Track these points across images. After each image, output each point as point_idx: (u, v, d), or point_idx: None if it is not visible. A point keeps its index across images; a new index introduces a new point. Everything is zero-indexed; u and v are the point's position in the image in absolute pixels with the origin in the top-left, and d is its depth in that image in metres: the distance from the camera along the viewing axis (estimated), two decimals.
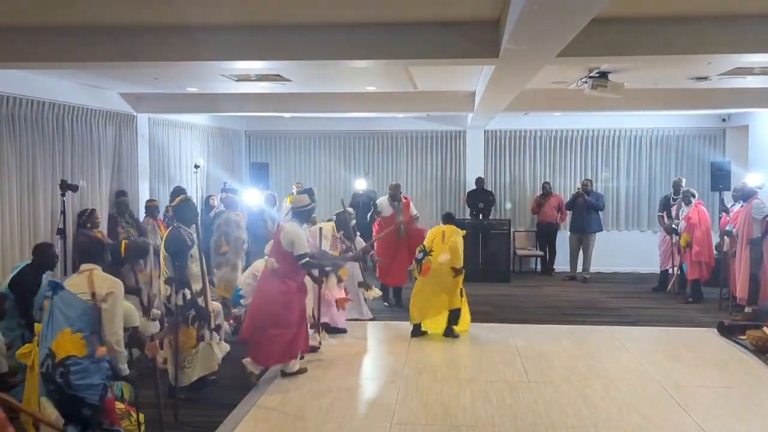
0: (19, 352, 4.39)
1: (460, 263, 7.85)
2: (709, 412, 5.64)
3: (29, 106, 6.97)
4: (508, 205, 12.84)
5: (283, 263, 6.28)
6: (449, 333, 7.95)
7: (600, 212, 11.63)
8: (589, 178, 12.09)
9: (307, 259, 6.26)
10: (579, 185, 11.86)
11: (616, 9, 4.55)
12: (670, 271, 10.53)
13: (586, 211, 11.47)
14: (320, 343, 7.39)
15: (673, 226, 10.29)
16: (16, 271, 5.79)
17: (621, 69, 6.97)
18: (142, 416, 4.44)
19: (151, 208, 8.84)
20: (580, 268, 11.76)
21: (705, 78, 7.88)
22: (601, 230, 11.73)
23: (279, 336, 6.19)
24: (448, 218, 8.53)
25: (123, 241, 6.58)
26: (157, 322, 4.95)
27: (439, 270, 7.88)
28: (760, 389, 6.25)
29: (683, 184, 10.49)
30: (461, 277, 7.94)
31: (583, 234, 11.59)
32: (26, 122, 6.94)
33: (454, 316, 7.95)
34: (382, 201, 9.64)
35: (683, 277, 10.34)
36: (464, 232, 8.36)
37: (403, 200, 9.63)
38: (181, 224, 5.83)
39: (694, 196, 9.86)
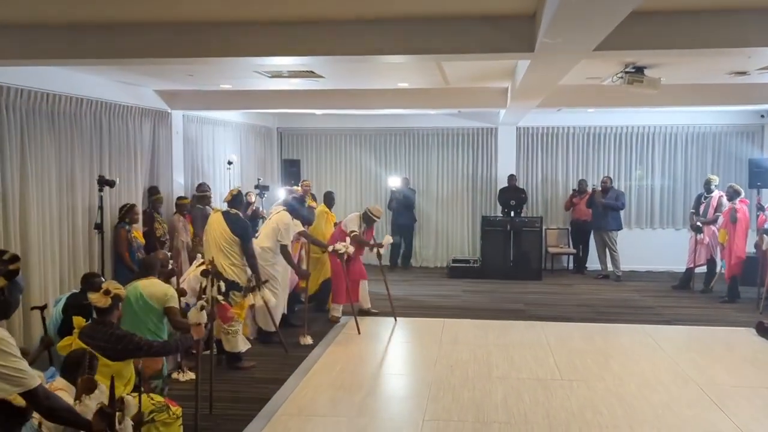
0: (59, 344, 4.46)
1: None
2: (746, 413, 5.55)
3: (68, 102, 7.08)
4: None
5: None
6: None
7: (620, 210, 11.47)
8: (609, 175, 11.92)
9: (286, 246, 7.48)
10: (599, 183, 11.78)
11: (655, 1, 4.47)
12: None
13: (603, 209, 11.36)
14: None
15: (698, 224, 10.14)
16: (66, 297, 5.72)
17: (657, 64, 6.85)
18: (179, 409, 4.49)
19: (182, 205, 8.93)
20: (610, 267, 11.62)
21: (744, 73, 7.71)
22: (620, 228, 11.58)
23: None
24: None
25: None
26: (205, 313, 4.98)
27: None
28: None
29: (716, 183, 10.32)
30: None
31: (602, 231, 11.50)
32: (65, 118, 7.06)
33: None
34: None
35: (711, 273, 10.21)
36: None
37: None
38: (239, 211, 6.84)
39: (738, 194, 9.66)
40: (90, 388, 3.47)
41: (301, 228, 7.97)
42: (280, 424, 5.37)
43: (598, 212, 11.45)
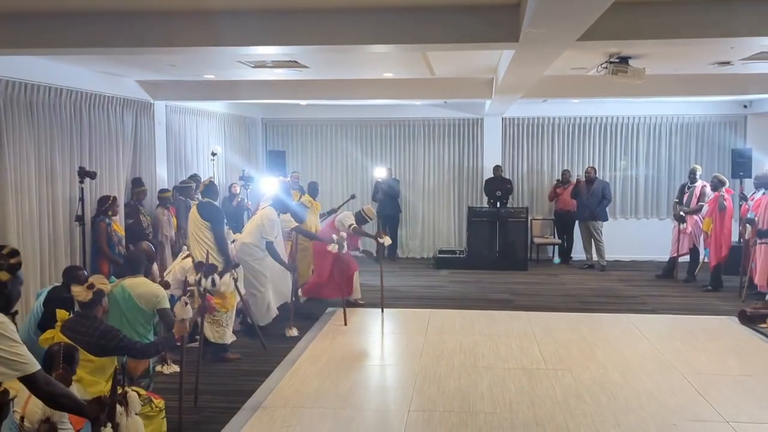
0: (41, 337, 4.39)
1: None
2: (729, 400, 5.59)
3: (47, 93, 6.98)
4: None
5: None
6: None
7: (605, 201, 11.50)
8: (593, 165, 11.97)
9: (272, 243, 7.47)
10: (582, 172, 11.83)
11: None
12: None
13: (588, 200, 11.41)
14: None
15: (681, 213, 10.21)
16: (48, 290, 5.61)
17: (641, 54, 6.86)
18: (162, 402, 4.45)
19: (164, 198, 8.83)
20: (595, 257, 11.68)
21: (727, 63, 7.74)
22: (606, 219, 11.63)
23: None
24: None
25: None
26: (189, 308, 4.90)
27: None
28: None
29: (699, 172, 10.37)
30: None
31: (588, 222, 11.55)
32: (44, 109, 6.95)
33: None
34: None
35: (694, 262, 10.29)
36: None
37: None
38: (211, 200, 6.97)
39: (723, 183, 9.71)
40: (64, 382, 3.45)
41: (293, 224, 7.96)
42: (265, 416, 5.35)
43: (583, 203, 11.48)
